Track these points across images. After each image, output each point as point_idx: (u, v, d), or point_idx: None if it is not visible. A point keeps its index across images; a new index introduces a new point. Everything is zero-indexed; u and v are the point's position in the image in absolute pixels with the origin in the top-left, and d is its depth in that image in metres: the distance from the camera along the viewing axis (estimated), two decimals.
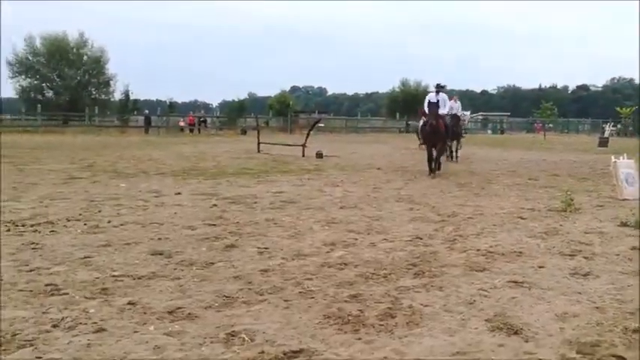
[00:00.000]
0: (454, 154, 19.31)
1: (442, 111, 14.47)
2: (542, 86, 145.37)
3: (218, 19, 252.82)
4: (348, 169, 15.43)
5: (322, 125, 44.84)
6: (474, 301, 4.48)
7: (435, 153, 14.27)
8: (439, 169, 14.61)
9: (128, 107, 50.64)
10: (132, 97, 51.79)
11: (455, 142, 19.13)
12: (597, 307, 4.35)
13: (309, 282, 4.93)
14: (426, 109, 14.19)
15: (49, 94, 50.63)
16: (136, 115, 49.81)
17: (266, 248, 6.17)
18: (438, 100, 14.15)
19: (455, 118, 18.71)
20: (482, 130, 61.54)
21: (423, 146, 15.52)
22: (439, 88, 14.63)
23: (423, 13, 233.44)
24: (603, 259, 5.84)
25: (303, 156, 19.40)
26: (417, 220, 8.03)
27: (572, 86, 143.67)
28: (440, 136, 14.23)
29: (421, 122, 23.72)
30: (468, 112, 22.31)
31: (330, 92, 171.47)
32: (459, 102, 20.04)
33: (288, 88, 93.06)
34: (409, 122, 48.50)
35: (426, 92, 20.30)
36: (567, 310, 4.29)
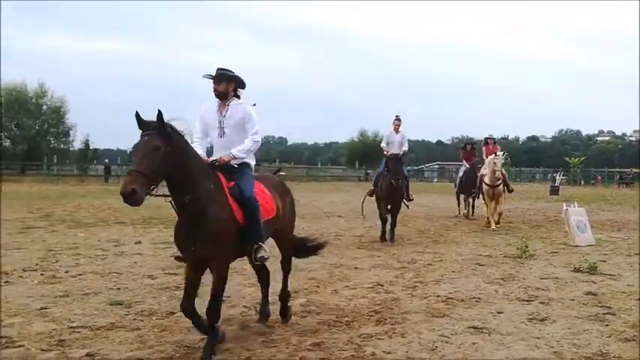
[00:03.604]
0: (387, 229, 10.95)
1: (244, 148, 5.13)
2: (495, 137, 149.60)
3: (188, 77, 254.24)
4: (309, 217, 15.46)
5: (283, 174, 45.00)
6: (436, 347, 4.54)
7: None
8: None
9: (88, 156, 49.97)
10: (92, 147, 51.25)
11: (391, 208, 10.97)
12: (555, 352, 4.47)
13: (271, 330, 4.92)
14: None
15: (7, 143, 49.71)
16: (95, 165, 49.21)
17: (228, 297, 6.11)
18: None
19: (395, 160, 10.88)
20: (440, 178, 62.76)
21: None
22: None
23: (383, 77, 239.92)
24: (559, 304, 6.00)
25: None
26: (378, 267, 8.10)
27: (522, 137, 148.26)
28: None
29: (462, 171, 18.61)
30: (501, 154, 15.13)
31: (290, 142, 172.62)
32: (401, 133, 11.76)
33: None
34: (368, 171, 49.11)
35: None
36: (526, 355, 4.39)
